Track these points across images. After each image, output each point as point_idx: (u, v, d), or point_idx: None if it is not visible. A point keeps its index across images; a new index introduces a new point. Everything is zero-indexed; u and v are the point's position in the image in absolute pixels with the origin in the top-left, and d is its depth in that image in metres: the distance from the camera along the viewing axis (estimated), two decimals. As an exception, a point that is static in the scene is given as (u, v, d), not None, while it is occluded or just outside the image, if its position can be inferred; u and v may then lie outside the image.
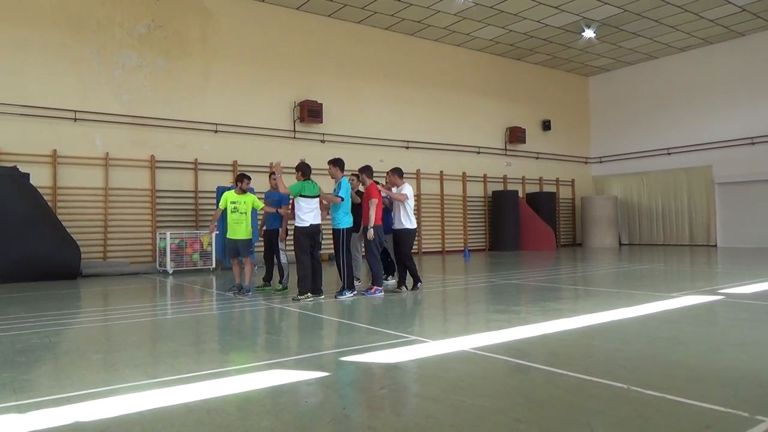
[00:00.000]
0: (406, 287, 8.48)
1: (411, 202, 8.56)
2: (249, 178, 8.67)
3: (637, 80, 22.12)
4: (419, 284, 8.57)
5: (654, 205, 21.72)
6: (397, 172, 8.78)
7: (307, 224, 7.68)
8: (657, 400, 3.16)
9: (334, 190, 8.02)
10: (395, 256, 8.79)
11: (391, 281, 9.36)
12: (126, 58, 13.64)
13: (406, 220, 8.48)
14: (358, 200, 8.68)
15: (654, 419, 2.90)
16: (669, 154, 21.23)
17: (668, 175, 21.25)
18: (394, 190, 8.73)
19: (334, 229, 7.98)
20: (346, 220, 7.97)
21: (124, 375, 3.94)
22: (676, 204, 21.06)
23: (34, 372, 4.18)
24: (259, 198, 9.10)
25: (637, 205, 22.27)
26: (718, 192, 19.86)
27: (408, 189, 8.61)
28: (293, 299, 7.61)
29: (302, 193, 7.65)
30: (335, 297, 7.79)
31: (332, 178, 8.09)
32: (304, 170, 7.87)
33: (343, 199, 7.90)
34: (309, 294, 7.60)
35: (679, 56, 20.84)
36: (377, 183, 8.73)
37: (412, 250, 8.84)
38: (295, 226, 7.72)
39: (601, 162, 23.60)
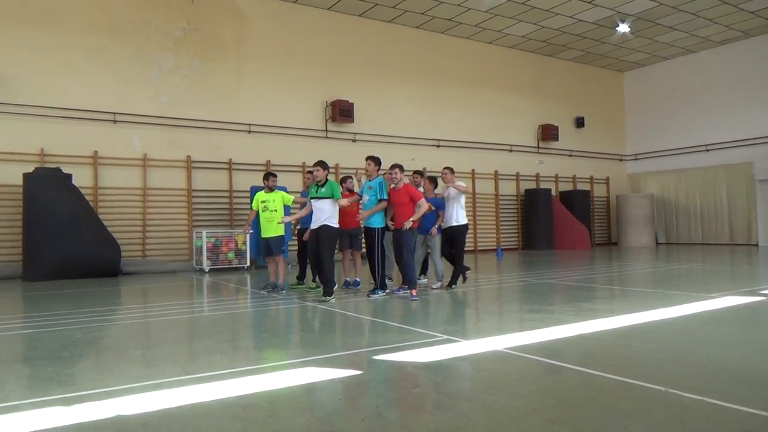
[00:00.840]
0: (452, 286, 8.53)
1: (463, 197, 8.62)
2: (275, 176, 8.74)
3: (674, 75, 21.56)
4: (453, 286, 8.56)
5: (692, 203, 21.15)
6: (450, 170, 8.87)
7: (338, 224, 7.78)
8: (696, 403, 3.10)
9: (367, 185, 8.00)
10: (445, 254, 8.73)
11: (423, 280, 9.36)
12: (163, 60, 13.94)
13: (461, 216, 8.53)
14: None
15: (693, 423, 2.84)
16: (707, 150, 20.65)
17: (707, 172, 20.65)
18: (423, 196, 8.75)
19: (368, 229, 7.98)
20: (380, 220, 7.97)
21: (163, 370, 4.04)
22: (715, 202, 20.45)
23: (77, 366, 4.32)
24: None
25: (674, 203, 21.72)
26: (759, 189, 19.22)
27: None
28: (319, 301, 7.42)
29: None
30: (368, 296, 7.82)
31: (367, 175, 8.06)
32: (327, 167, 7.95)
33: (388, 203, 7.89)
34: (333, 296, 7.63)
35: (717, 50, 20.23)
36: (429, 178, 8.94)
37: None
38: (329, 226, 7.66)
39: (636, 159, 23.10)
